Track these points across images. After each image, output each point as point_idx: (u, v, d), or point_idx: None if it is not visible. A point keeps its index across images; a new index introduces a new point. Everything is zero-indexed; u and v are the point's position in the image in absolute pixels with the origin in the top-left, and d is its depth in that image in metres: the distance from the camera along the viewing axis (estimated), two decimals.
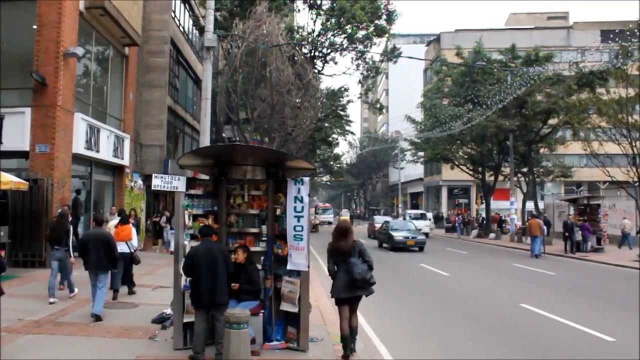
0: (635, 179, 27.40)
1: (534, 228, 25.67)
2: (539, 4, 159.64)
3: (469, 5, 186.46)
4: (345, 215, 70.22)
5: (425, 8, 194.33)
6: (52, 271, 11.14)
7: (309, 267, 7.95)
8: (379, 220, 38.50)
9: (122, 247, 11.51)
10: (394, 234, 27.94)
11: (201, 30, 25.85)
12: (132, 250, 12.05)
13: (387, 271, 19.66)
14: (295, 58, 22.96)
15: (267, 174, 8.67)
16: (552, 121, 36.35)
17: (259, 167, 8.63)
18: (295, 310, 7.97)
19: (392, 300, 13.65)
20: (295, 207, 7.89)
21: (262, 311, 8.14)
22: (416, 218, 40.61)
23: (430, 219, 44.67)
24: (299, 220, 7.85)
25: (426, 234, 35.55)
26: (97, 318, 9.46)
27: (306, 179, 7.97)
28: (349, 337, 7.53)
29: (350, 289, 7.51)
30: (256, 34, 20.45)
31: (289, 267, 7.95)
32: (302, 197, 7.86)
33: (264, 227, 8.50)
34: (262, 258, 8.45)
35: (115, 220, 12.65)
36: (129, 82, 21.88)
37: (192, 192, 8.35)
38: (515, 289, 15.59)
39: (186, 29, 30.81)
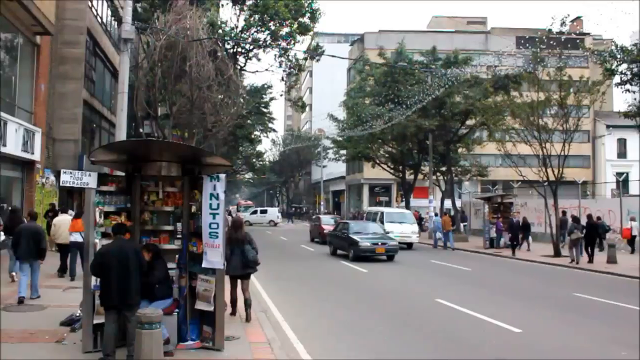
0: (545, 179, 28.84)
1: (446, 224, 27.21)
2: (460, 5, 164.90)
3: (393, 6, 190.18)
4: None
5: (350, 8, 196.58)
6: (10, 257, 13.06)
7: (224, 265, 7.84)
8: (328, 221, 33.02)
9: (76, 237, 13.51)
10: (357, 239, 22.14)
11: (120, 21, 25.00)
12: None
13: (307, 269, 19.76)
14: (217, 54, 22.62)
15: (183, 171, 8.47)
16: (470, 122, 37.61)
17: (174, 163, 8.41)
18: (211, 309, 7.82)
19: (311, 297, 13.70)
20: (210, 204, 7.75)
21: (177, 310, 7.95)
22: (394, 220, 29.37)
23: (414, 222, 30.73)
24: (214, 218, 7.72)
25: (409, 245, 28.22)
26: (21, 301, 10.62)
27: (222, 175, 7.84)
28: (236, 300, 10.16)
29: (243, 268, 10.02)
30: (177, 28, 19.99)
31: (204, 265, 7.80)
32: (217, 194, 7.73)
33: (179, 225, 8.30)
34: (177, 256, 8.26)
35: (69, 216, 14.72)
36: (41, 73, 20.83)
37: (104, 188, 8.02)
38: (431, 285, 15.99)
39: (104, 20, 29.71)
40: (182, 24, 20.44)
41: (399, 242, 24.58)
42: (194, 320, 8.07)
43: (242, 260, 9.95)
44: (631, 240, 24.54)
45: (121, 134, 14.25)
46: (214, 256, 7.70)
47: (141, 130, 26.08)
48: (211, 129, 22.52)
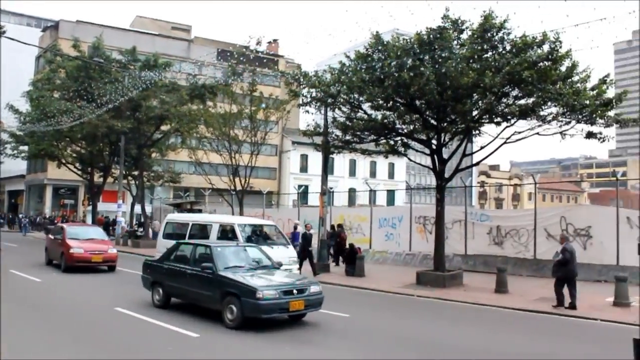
0: (233, 188, 30.33)
1: None
2: (166, 9, 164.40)
3: None
4: None
5: None
6: None
7: None
8: (84, 233, 21.96)
9: None
10: (250, 283, 10.90)
11: None
12: None
13: None
14: None
15: None
16: (165, 127, 37.41)
17: None
18: None
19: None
20: None
21: None
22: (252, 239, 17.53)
23: (287, 243, 19.19)
24: None
25: None
26: None
27: None
28: None
29: None
30: None
31: None
32: None
33: None
34: None
35: None
36: None
37: None
38: (110, 292, 15.30)
39: None
40: None
41: None
42: None
43: None
44: None
45: None
46: None
47: None
48: None
